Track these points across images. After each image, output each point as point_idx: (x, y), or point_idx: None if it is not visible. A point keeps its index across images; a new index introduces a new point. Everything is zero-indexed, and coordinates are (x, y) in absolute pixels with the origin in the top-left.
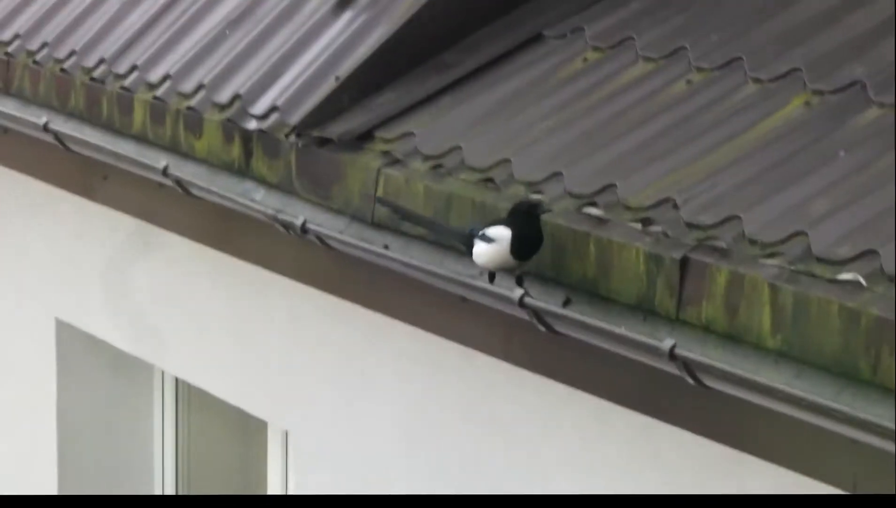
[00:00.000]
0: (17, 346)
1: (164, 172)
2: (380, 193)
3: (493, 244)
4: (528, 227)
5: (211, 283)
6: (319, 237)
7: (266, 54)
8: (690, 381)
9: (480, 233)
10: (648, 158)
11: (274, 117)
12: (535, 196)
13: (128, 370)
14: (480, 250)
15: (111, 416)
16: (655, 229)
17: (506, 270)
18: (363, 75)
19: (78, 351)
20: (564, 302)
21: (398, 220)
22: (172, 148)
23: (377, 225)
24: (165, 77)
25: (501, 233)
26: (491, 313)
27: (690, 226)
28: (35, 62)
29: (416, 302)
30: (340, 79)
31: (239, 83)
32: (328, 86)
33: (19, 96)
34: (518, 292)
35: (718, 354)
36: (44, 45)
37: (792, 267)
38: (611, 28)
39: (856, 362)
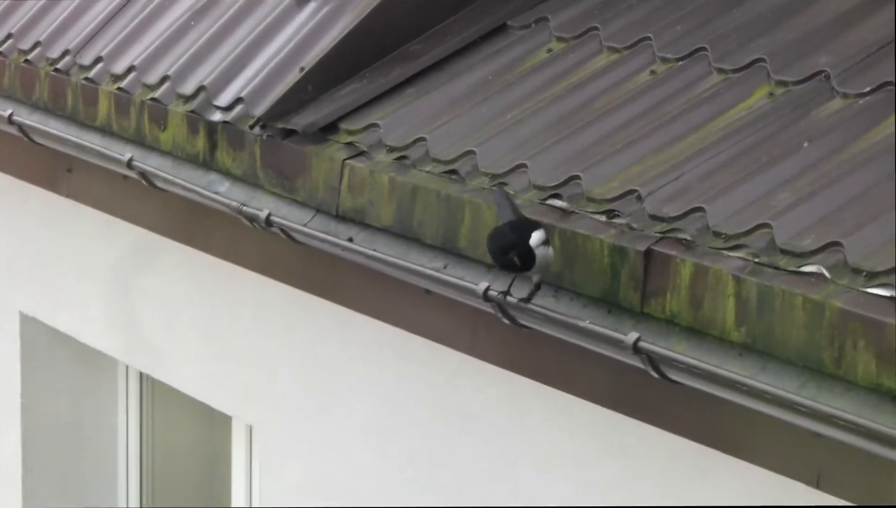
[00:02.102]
0: None
1: (129, 164)
2: (344, 185)
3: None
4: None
5: (175, 276)
6: (284, 230)
7: (231, 45)
8: (655, 375)
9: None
10: (612, 150)
11: (238, 109)
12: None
13: (92, 364)
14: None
15: (76, 410)
16: (620, 221)
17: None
18: (328, 66)
19: (42, 345)
20: (529, 295)
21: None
22: (137, 140)
23: (342, 217)
24: (130, 68)
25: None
26: (456, 306)
27: (654, 218)
28: None
29: (382, 295)
30: (305, 70)
31: (203, 74)
32: (293, 77)
33: None
34: (483, 284)
35: (683, 347)
36: (8, 36)
37: (756, 259)
38: (575, 18)
39: (820, 355)
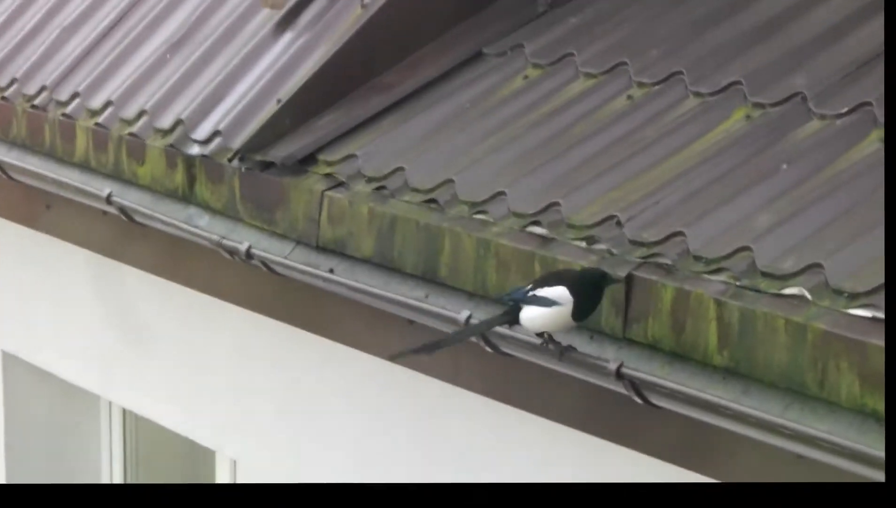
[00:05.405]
0: None
1: (108, 199)
2: (324, 216)
3: (556, 308)
4: (592, 292)
5: (157, 311)
6: (264, 262)
7: (207, 78)
8: (638, 400)
9: (530, 295)
10: (591, 176)
11: (216, 142)
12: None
13: (75, 400)
14: (535, 314)
15: (59, 447)
16: (600, 247)
17: (561, 331)
18: (305, 97)
19: (25, 383)
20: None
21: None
22: (115, 175)
23: (322, 249)
24: (107, 103)
25: (565, 296)
26: (438, 336)
27: (635, 243)
28: None
29: (364, 326)
30: (282, 101)
31: (181, 108)
32: (270, 109)
33: None
34: (464, 313)
35: (665, 372)
36: None
37: (737, 283)
38: (550, 45)
39: (803, 377)
